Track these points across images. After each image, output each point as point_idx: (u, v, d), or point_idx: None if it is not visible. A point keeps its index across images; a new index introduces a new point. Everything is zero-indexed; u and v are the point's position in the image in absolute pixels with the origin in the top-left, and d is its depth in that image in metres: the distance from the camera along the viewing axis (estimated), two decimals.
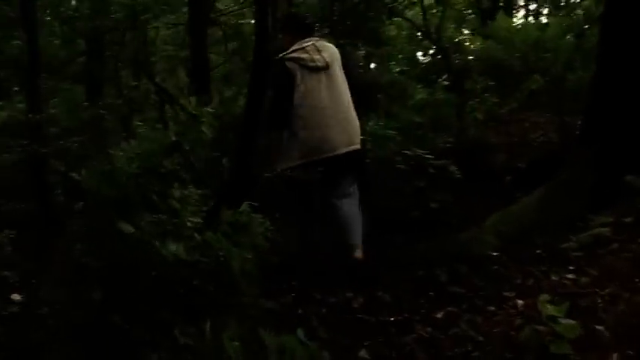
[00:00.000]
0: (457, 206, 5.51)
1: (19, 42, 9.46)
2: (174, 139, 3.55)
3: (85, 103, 10.55)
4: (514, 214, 5.08)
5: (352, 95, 4.60)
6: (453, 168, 5.44)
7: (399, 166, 5.47)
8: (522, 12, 13.26)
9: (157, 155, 3.54)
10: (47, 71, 10.77)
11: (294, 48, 4.33)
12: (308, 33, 4.48)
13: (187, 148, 3.57)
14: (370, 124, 6.36)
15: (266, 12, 3.82)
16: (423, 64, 11.31)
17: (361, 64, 9.27)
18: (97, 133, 10.27)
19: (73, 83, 11.94)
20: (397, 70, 10.91)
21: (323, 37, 5.42)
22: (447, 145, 6.39)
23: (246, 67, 11.90)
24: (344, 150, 4.37)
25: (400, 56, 11.21)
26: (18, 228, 5.03)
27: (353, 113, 4.55)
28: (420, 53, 11.61)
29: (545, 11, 12.47)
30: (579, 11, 9.29)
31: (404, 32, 11.05)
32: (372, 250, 4.71)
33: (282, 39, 4.44)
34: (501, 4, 11.25)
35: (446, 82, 7.32)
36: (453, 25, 12.24)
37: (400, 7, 10.09)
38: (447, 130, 6.75)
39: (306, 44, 4.36)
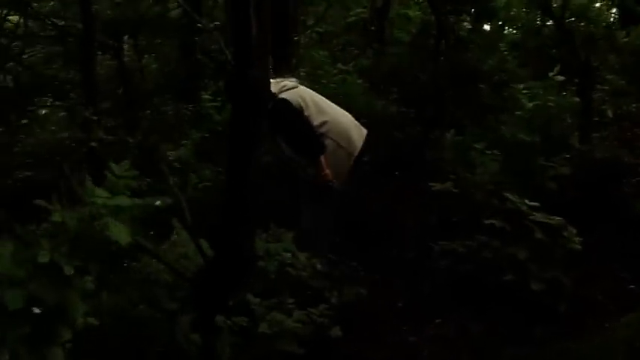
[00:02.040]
0: (571, 284, 3.44)
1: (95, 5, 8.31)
2: (43, 260, 1.80)
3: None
4: None
5: None
6: (570, 232, 3.36)
7: (490, 221, 3.46)
8: None
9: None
10: (139, 28, 9.88)
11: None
12: None
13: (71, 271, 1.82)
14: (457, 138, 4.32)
15: (249, 29, 1.96)
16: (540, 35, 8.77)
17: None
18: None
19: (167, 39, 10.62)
20: (511, 38, 8.51)
21: None
22: (564, 174, 4.21)
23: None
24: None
25: (514, 28, 8.76)
26: None
27: None
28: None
29: None
30: None
31: None
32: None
33: None
34: None
35: (561, 77, 4.90)
36: None
37: None
38: (564, 149, 4.54)
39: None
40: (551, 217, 3.39)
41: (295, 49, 10.50)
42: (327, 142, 4.06)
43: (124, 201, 1.95)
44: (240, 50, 2.09)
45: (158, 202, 2.83)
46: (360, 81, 7.69)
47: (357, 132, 4.23)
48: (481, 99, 5.90)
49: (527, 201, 3.45)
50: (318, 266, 3.79)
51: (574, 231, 3.38)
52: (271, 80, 4.14)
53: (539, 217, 3.37)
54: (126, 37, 10.36)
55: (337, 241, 4.57)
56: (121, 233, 1.88)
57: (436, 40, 7.30)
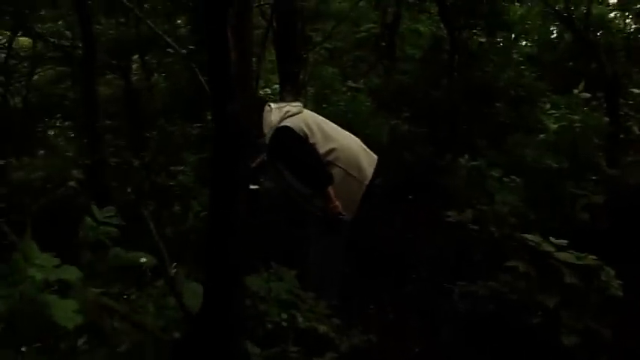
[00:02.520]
0: (611, 335, 2.97)
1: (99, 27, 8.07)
2: None
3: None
4: None
5: None
6: (608, 274, 2.90)
7: (512, 264, 3.02)
8: None
9: None
10: (146, 47, 9.61)
11: (270, 113, 3.70)
12: None
13: None
14: (473, 163, 3.91)
15: (226, 55, 1.58)
16: (556, 45, 8.30)
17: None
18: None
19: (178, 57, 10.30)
20: (526, 51, 8.04)
21: None
22: (596, 203, 3.73)
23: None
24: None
25: (529, 41, 8.27)
26: None
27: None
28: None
29: None
30: None
31: (536, 8, 8.11)
32: None
33: None
34: None
35: (587, 94, 4.41)
36: None
37: None
38: (592, 173, 4.06)
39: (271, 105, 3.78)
40: (584, 256, 2.93)
41: (304, 66, 10.13)
42: (336, 170, 3.64)
43: (70, 274, 1.55)
44: (217, 80, 1.69)
45: (143, 260, 2.48)
46: (369, 99, 7.32)
47: (366, 158, 3.81)
48: (497, 117, 5.45)
49: (552, 239, 3.00)
50: (326, 308, 3.37)
51: (612, 272, 2.92)
52: (273, 106, 3.78)
53: (569, 257, 2.91)
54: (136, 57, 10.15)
55: (347, 273, 4.18)
56: (66, 313, 1.48)
57: (449, 55, 6.90)
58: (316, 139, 3.65)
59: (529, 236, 3.00)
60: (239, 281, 2.21)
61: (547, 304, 2.83)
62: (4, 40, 8.97)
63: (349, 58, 10.61)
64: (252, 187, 4.00)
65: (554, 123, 3.96)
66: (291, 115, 3.68)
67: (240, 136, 1.80)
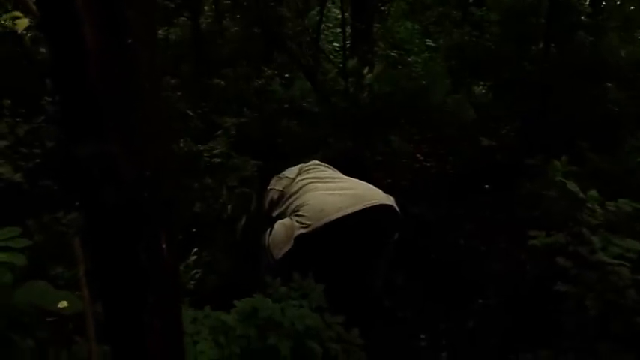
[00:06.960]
0: None
1: None
2: None
3: None
4: None
5: None
6: None
7: None
8: None
9: None
10: None
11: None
12: None
13: None
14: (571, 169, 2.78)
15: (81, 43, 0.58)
16: None
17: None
18: None
19: None
20: None
21: None
22: None
23: None
24: None
25: None
26: None
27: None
28: None
29: None
30: None
31: None
32: None
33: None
34: None
35: None
36: None
37: None
38: None
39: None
40: None
41: (382, 20, 8.87)
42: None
43: None
44: (62, 92, 0.70)
45: (64, 304, 1.58)
46: (448, 63, 6.14)
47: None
48: (605, 105, 4.12)
49: None
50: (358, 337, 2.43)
51: None
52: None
53: None
54: None
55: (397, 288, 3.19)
56: None
57: (546, 18, 5.49)
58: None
59: None
60: None
61: None
62: None
63: (432, 14, 9.27)
64: None
65: None
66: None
67: (133, 207, 0.79)
